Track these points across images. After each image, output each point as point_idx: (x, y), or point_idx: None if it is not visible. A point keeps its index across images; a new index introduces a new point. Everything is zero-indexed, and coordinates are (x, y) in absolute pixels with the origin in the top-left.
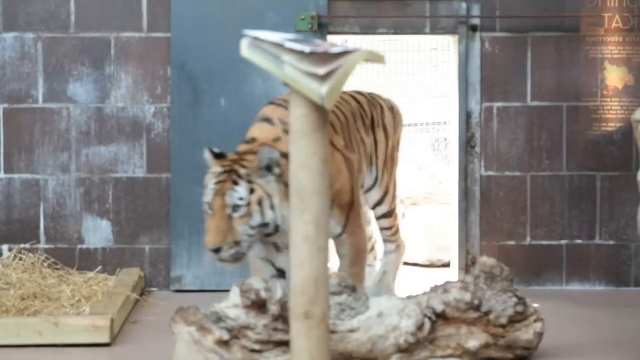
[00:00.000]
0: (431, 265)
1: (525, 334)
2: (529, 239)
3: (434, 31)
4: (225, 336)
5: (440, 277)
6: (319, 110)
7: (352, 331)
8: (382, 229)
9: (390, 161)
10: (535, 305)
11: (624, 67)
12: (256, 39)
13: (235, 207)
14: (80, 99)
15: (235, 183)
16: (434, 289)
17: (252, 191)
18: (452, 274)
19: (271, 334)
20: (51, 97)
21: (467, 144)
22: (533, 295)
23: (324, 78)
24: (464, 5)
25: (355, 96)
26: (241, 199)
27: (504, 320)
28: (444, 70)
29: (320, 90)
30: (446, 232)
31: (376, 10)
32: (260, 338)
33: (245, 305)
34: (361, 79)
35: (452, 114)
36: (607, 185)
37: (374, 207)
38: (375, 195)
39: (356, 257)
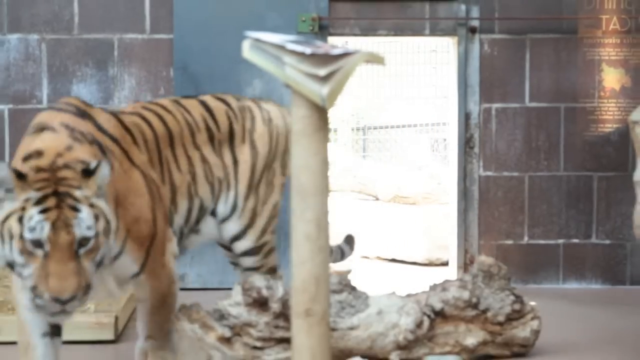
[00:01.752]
0: (430, 264)
1: (522, 331)
2: (526, 238)
3: (433, 33)
4: (227, 333)
5: (439, 275)
6: (320, 110)
7: (352, 328)
8: (245, 269)
9: (264, 186)
10: (532, 303)
11: (621, 68)
12: (257, 40)
13: (83, 240)
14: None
15: (75, 209)
16: (433, 287)
17: (96, 217)
18: (451, 273)
19: (272, 331)
20: (55, 98)
21: (465, 145)
22: (530, 293)
23: (324, 79)
24: (463, 7)
25: (207, 103)
26: (89, 228)
27: (501, 318)
28: (443, 72)
29: (320, 91)
30: (445, 231)
31: (376, 12)
32: (262, 335)
33: (247, 303)
34: (361, 80)
35: (451, 114)
36: (604, 185)
37: (231, 242)
38: (232, 227)
39: (158, 304)
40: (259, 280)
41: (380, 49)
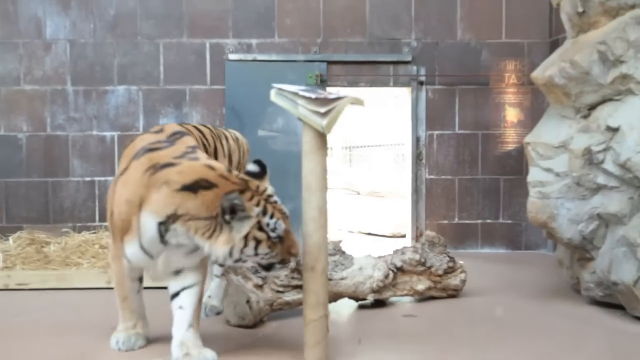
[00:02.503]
0: (393, 236)
1: (454, 280)
2: (456, 219)
3: (395, 85)
4: (260, 282)
5: (399, 244)
6: (321, 136)
7: (342, 279)
8: None
9: None
10: (461, 262)
11: (517, 108)
12: (280, 89)
13: None
14: None
15: (272, 201)
16: (395, 252)
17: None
18: (407, 242)
19: (290, 281)
20: (148, 128)
21: (416, 158)
22: (459, 256)
23: (324, 114)
24: (415, 67)
25: (199, 127)
26: None
27: (440, 272)
28: (402, 109)
29: (322, 123)
30: (403, 214)
31: (357, 71)
32: (283, 283)
33: None
34: (352, 113)
35: (407, 138)
36: (507, 185)
37: None
38: None
39: (203, 290)
40: None
41: (361, 95)
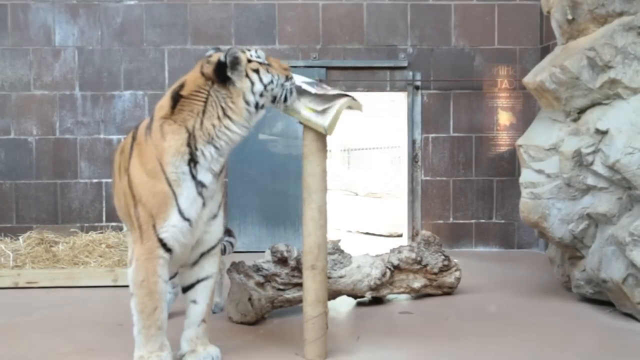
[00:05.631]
0: (390, 236)
1: (449, 278)
2: (451, 219)
3: (392, 89)
4: (261, 280)
5: (396, 243)
6: (321, 138)
7: (341, 277)
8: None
9: None
10: (456, 260)
11: (510, 112)
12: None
13: None
14: None
15: None
16: (392, 250)
17: None
18: (404, 241)
19: (290, 279)
20: None
21: (412, 160)
22: (454, 254)
23: (321, 112)
24: (410, 73)
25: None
26: None
27: (435, 270)
28: (399, 113)
29: (324, 123)
30: (400, 214)
31: (355, 76)
32: (284, 281)
33: (274, 260)
34: (351, 117)
35: (403, 140)
36: (500, 186)
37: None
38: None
39: (215, 283)
40: (281, 246)
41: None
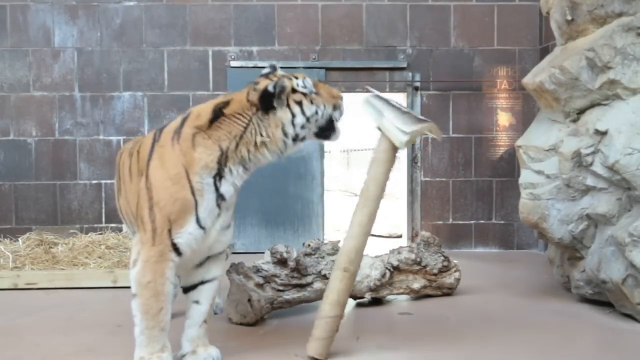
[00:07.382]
0: (390, 236)
1: (449, 279)
2: (451, 219)
3: (392, 90)
4: (261, 281)
5: (396, 244)
6: (394, 149)
7: None
8: None
9: None
10: (455, 261)
11: (509, 112)
12: (376, 96)
13: None
14: None
15: None
16: (392, 251)
17: None
18: (403, 242)
19: (290, 280)
20: None
21: (412, 160)
22: (454, 255)
23: (406, 133)
24: (410, 74)
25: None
26: None
27: (435, 271)
28: None
29: (403, 139)
30: (399, 215)
31: (355, 77)
32: (283, 282)
33: (274, 261)
34: (349, 118)
35: None
36: (500, 186)
37: None
38: None
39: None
40: (281, 247)
41: (358, 101)
